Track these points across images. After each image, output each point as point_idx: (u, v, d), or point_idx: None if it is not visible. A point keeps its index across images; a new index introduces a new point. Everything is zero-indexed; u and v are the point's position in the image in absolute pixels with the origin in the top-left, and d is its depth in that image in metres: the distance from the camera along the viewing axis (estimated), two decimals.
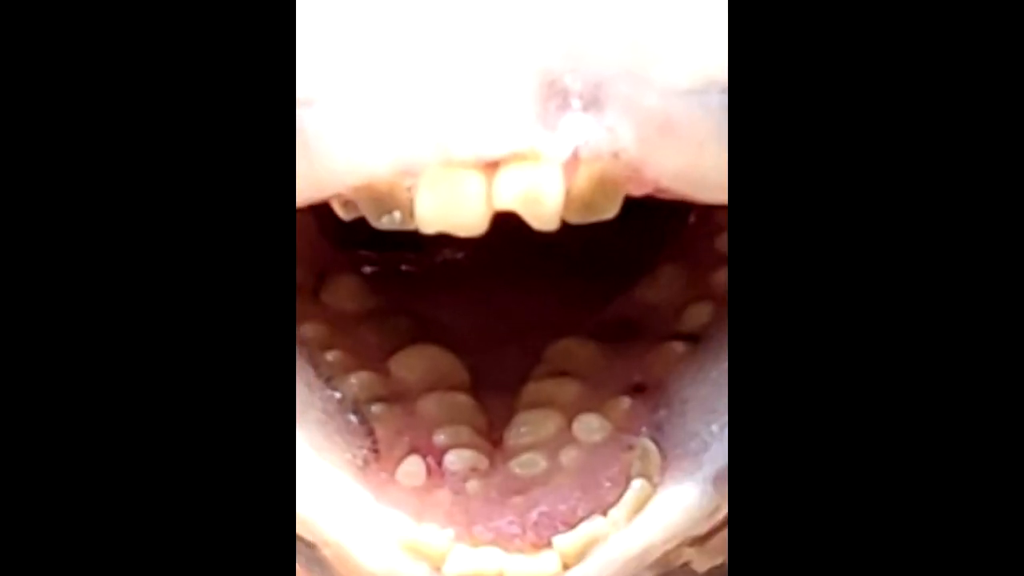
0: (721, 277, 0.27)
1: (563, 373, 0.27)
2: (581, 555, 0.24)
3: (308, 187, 0.23)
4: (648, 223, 0.28)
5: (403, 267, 0.30)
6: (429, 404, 0.26)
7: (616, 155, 0.21)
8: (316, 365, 0.26)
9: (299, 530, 0.25)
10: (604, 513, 0.24)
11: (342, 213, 0.25)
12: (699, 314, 0.26)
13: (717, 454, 0.24)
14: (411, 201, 0.22)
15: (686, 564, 0.25)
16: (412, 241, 0.26)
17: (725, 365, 0.25)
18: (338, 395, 0.26)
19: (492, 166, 0.21)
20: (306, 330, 0.26)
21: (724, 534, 0.25)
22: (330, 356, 0.26)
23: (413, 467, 0.25)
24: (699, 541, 0.25)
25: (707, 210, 0.27)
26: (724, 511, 0.25)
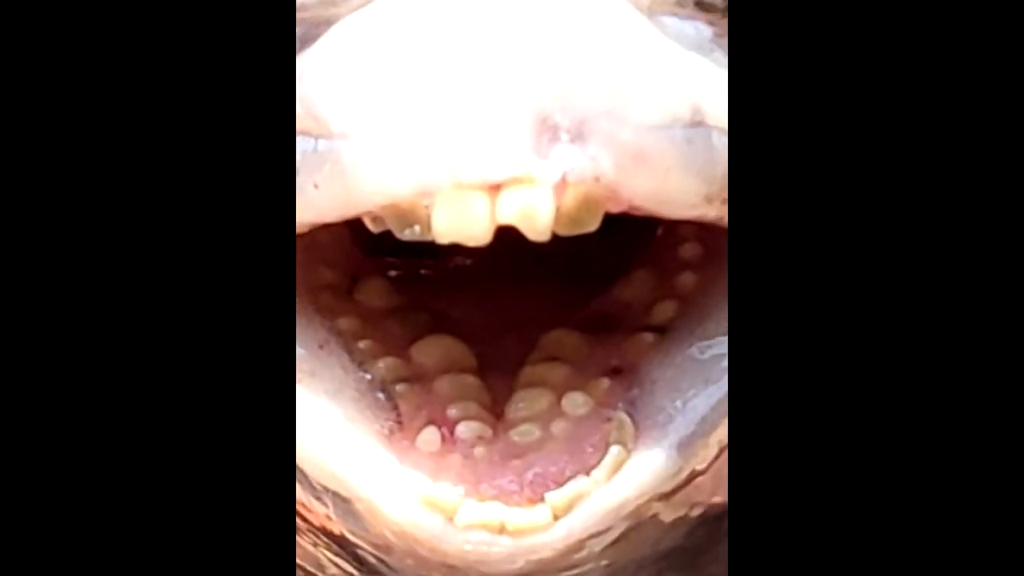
0: (684, 279, 0.30)
1: (553, 358, 0.30)
2: (568, 508, 0.26)
3: (343, 205, 0.26)
4: (623, 235, 0.30)
5: (422, 271, 0.33)
6: (443, 384, 0.29)
7: (597, 179, 0.24)
8: (350, 352, 0.29)
9: (336, 487, 0.28)
10: (587, 474, 0.27)
11: (372, 227, 0.27)
12: (665, 310, 0.29)
13: (680, 425, 0.27)
14: (428, 217, 0.25)
15: (655, 515, 0.28)
16: (429, 250, 0.29)
17: (687, 352, 0.28)
18: (368, 377, 0.29)
19: (495, 188, 0.24)
20: (342, 323, 0.29)
21: (687, 490, 0.28)
22: (362, 344, 0.29)
23: (430, 436, 0.28)
24: (665, 497, 0.28)
25: (672, 224, 0.30)
26: (686, 472, 0.28)
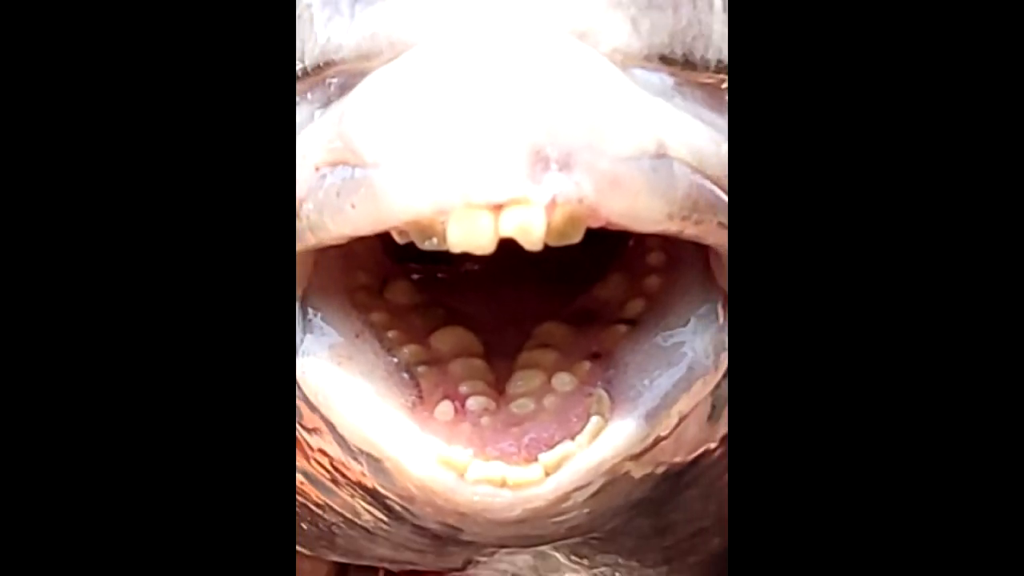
0: (651, 281, 0.33)
1: (545, 345, 0.33)
2: (557, 467, 0.29)
3: (375, 222, 0.29)
4: (602, 245, 0.34)
5: (439, 275, 0.36)
6: (456, 366, 0.32)
7: (580, 201, 0.27)
8: (380, 340, 0.33)
9: (368, 449, 0.31)
10: (572, 439, 0.30)
11: (398, 238, 0.30)
12: (635, 306, 0.33)
13: (648, 399, 0.30)
14: (444, 231, 0.28)
15: (627, 472, 0.31)
16: (445, 257, 0.31)
17: (653, 340, 0.31)
18: (395, 360, 0.32)
19: (498, 207, 0.27)
20: (374, 317, 0.33)
21: (653, 452, 0.31)
22: (390, 334, 0.33)
23: (445, 408, 0.31)
24: (635, 457, 0.31)
25: (641, 237, 0.33)
26: (652, 437, 0.31)
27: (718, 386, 0.33)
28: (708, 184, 0.30)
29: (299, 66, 0.31)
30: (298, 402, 0.34)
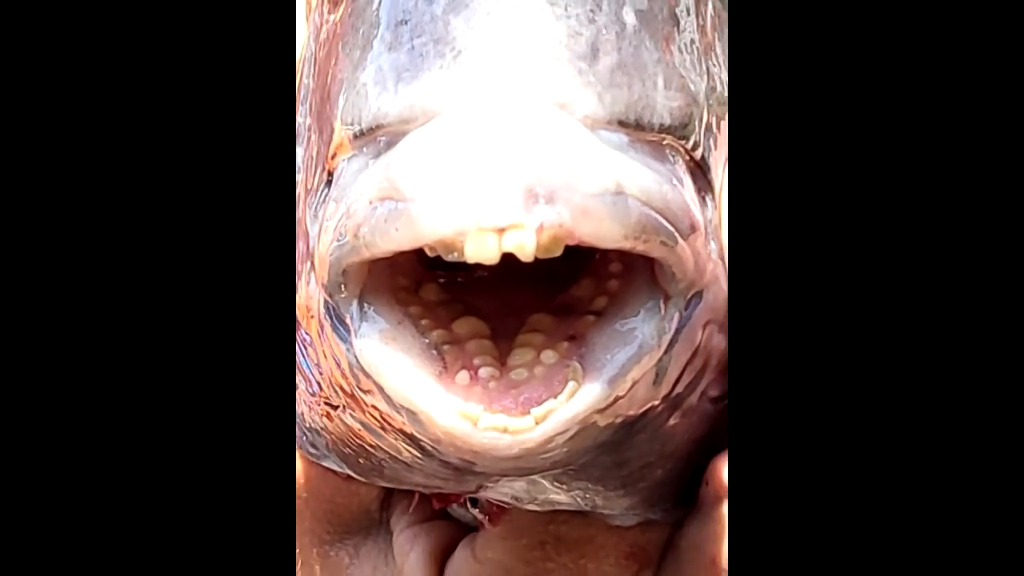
0: (612, 284, 0.36)
1: (535, 330, 0.36)
2: (544, 418, 0.33)
3: (412, 240, 0.33)
4: (576, 258, 0.36)
5: (459, 279, 0.38)
6: (471, 345, 0.35)
7: (560, 226, 0.31)
8: (416, 326, 0.36)
9: (407, 405, 0.34)
10: (555, 398, 0.33)
11: (429, 252, 0.34)
12: (601, 302, 0.36)
13: (610, 369, 0.34)
14: (462, 247, 0.32)
15: (594, 422, 0.34)
16: (463, 266, 0.34)
17: (613, 326, 0.35)
18: (427, 341, 0.35)
19: (501, 230, 0.31)
20: (411, 309, 0.36)
21: (613, 407, 0.35)
22: (423, 322, 0.36)
23: (463, 376, 0.34)
24: (600, 411, 0.34)
25: (605, 251, 0.36)
26: (613, 396, 0.34)
27: (660, 360, 0.36)
28: (654, 214, 0.34)
29: (356, 128, 0.35)
30: (356, 370, 0.37)
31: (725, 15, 0.41)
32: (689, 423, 0.40)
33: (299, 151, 0.42)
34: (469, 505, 0.45)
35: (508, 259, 0.33)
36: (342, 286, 0.36)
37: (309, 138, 0.42)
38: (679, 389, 0.39)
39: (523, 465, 0.35)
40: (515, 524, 0.43)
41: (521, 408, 0.34)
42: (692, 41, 0.38)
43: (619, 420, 0.36)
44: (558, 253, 0.33)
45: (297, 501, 0.46)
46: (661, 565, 0.42)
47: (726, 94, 0.40)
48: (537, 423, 0.34)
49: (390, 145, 0.35)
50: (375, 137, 0.35)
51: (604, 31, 0.34)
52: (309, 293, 0.40)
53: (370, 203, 0.34)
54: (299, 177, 0.42)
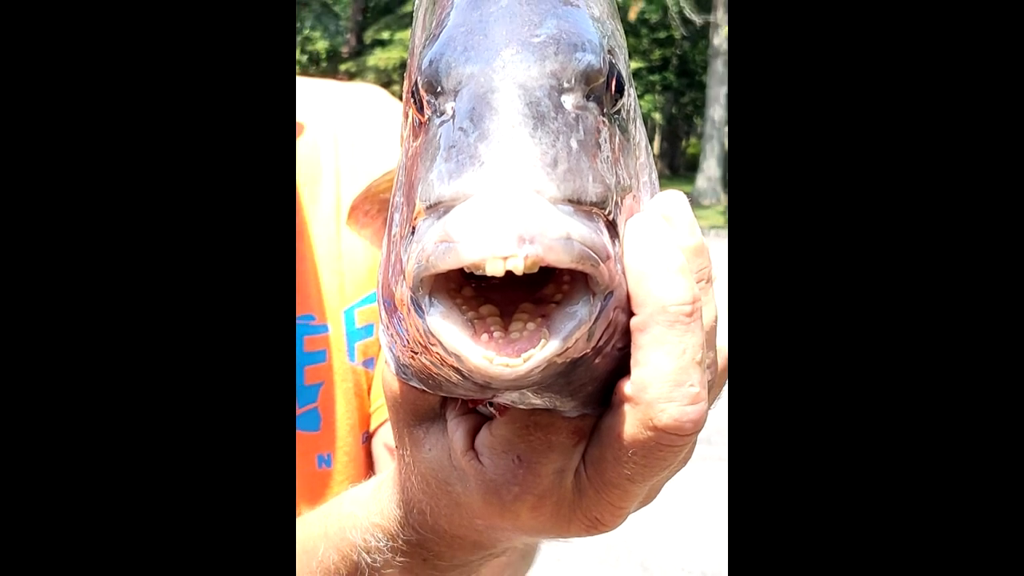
0: (565, 287, 0.47)
1: (524, 312, 0.47)
2: (528, 360, 0.45)
3: (456, 264, 0.43)
4: (547, 271, 0.46)
5: (483, 284, 0.47)
6: (489, 320, 0.46)
7: (537, 256, 0.42)
8: (459, 309, 0.48)
9: (455, 352, 0.46)
10: (534, 348, 0.46)
11: (466, 270, 0.44)
12: (559, 297, 0.48)
13: (563, 333, 0.46)
14: (484, 267, 0.43)
15: (555, 362, 0.46)
16: (485, 277, 0.44)
17: (566, 311, 0.47)
18: (465, 317, 0.47)
19: (504, 259, 0.43)
20: (457, 301, 0.47)
21: (565, 354, 0.47)
22: (463, 307, 0.47)
23: (485, 337, 0.45)
24: (559, 356, 0.46)
25: (561, 270, 0.47)
26: (565, 348, 0.46)
27: (590, 328, 0.46)
28: (587, 249, 0.44)
29: (427, 203, 0.47)
30: (427, 333, 0.47)
31: (627, 139, 0.52)
32: (606, 361, 0.50)
33: (396, 216, 0.53)
34: (488, 405, 0.56)
35: (508, 273, 0.43)
36: (420, 288, 0.46)
37: (402, 208, 0.52)
38: (600, 343, 0.48)
39: (516, 384, 0.45)
40: (512, 415, 0.54)
41: (516, 354, 0.45)
42: (608, 155, 0.49)
43: (568, 360, 0.47)
44: (535, 271, 0.43)
45: (395, 405, 0.57)
46: (591, 438, 0.53)
47: (629, 183, 0.51)
48: (524, 363, 0.45)
49: (445, 212, 0.45)
50: (437, 208, 0.45)
51: (560, 151, 0.45)
52: (401, 292, 0.50)
53: (435, 243, 0.44)
54: (395, 230, 0.52)
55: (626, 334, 0.49)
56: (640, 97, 0.61)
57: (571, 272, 0.46)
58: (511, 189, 0.44)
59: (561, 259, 0.44)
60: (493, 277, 0.44)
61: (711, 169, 18.07)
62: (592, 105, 0.47)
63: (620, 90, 0.49)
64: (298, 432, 0.86)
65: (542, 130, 0.44)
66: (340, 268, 0.90)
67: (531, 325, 0.46)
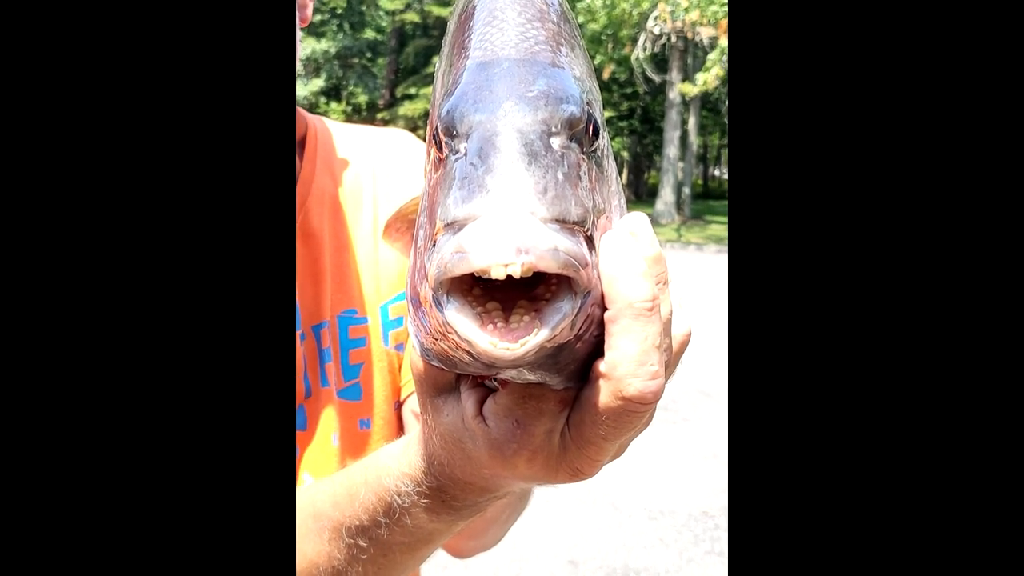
0: (553, 288, 0.53)
1: (521, 307, 0.52)
2: (524, 345, 0.51)
3: (468, 270, 0.49)
4: (539, 275, 0.51)
5: (489, 285, 0.52)
6: (494, 314, 0.52)
7: (531, 263, 0.48)
8: (471, 305, 0.53)
9: (467, 339, 0.51)
10: (529, 336, 0.53)
11: (476, 274, 0.50)
12: (548, 296, 0.53)
13: (551, 323, 0.52)
14: (491, 272, 0.48)
15: (545, 346, 0.52)
16: (490, 280, 0.50)
17: (554, 306, 0.52)
18: (476, 311, 0.53)
19: (506, 266, 0.49)
20: (468, 298, 0.51)
21: (553, 340, 0.53)
22: (474, 303, 0.52)
23: (491, 327, 0.51)
24: (548, 342, 0.52)
25: (550, 275, 0.51)
26: (554, 335, 0.52)
27: (573, 319, 0.49)
28: (571, 259, 0.48)
29: (445, 222, 0.50)
30: (445, 324, 0.51)
31: (602, 172, 0.56)
32: (585, 346, 0.53)
33: (421, 232, 0.55)
34: (493, 380, 0.59)
35: (509, 277, 0.46)
36: (439, 288, 0.49)
37: (426, 226, 0.55)
38: (580, 332, 0.51)
39: (515, 364, 0.49)
40: (511, 388, 0.56)
41: (515, 340, 0.49)
42: (587, 185, 0.53)
43: (556, 345, 0.50)
44: (530, 275, 0.46)
45: (420, 380, 0.60)
46: (573, 406, 0.56)
47: (604, 206, 0.54)
48: (521, 347, 0.48)
49: (460, 229, 0.49)
50: (453, 226, 0.49)
51: (549, 182, 0.49)
52: (425, 291, 0.53)
53: (451, 254, 0.47)
54: (420, 243, 0.55)
55: (601, 325, 0.52)
56: (612, 139, 0.53)
57: (558, 276, 0.49)
58: (511, 211, 0.47)
59: (550, 266, 0.47)
60: (497, 280, 0.48)
61: (667, 195, 19.14)
62: (574, 145, 0.50)
63: (596, 133, 0.52)
64: (344, 401, 1.00)
65: (535, 165, 0.48)
66: (377, 272, 1.02)
67: (527, 318, 0.50)
